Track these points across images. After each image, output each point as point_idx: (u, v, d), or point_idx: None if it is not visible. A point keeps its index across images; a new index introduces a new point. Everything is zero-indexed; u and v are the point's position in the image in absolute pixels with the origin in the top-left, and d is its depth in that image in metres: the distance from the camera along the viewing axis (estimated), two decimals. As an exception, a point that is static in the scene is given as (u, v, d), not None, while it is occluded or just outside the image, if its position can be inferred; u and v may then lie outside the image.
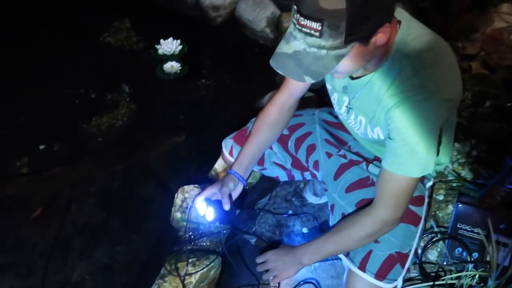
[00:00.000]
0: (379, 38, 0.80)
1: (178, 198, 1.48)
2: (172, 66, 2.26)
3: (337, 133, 1.31)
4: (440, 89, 0.87)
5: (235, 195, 1.23)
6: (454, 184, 1.49)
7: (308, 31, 0.76)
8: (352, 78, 1.00)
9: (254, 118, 1.27)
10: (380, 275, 1.05)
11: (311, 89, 1.73)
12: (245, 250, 1.40)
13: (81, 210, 1.71)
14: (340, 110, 1.11)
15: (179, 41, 2.33)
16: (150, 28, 2.50)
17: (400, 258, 1.08)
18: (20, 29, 2.51)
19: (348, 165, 1.22)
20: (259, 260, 1.24)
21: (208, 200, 1.19)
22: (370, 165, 1.21)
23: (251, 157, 1.24)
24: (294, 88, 1.19)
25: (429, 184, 1.23)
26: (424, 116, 0.88)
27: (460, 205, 1.31)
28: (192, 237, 1.42)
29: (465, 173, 1.52)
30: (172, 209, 1.48)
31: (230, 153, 1.34)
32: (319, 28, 0.74)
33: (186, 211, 1.43)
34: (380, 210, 1.01)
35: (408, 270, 1.11)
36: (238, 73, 2.28)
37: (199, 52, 2.37)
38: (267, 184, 1.59)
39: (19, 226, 1.64)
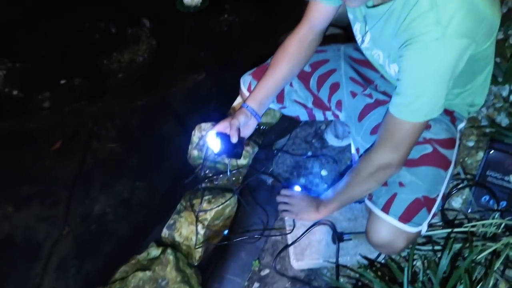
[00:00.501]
0: None
1: (195, 136, 1.45)
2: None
3: (363, 70, 1.22)
4: (456, 27, 0.78)
5: (247, 130, 1.17)
6: (487, 130, 1.39)
7: None
8: (369, 6, 0.93)
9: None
10: (405, 218, 1.01)
11: (339, 25, 1.61)
12: (261, 190, 1.39)
13: (101, 145, 1.72)
14: (361, 42, 1.04)
15: (200, -27, 2.20)
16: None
17: (427, 202, 1.03)
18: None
19: (374, 105, 1.14)
20: (282, 197, 1.26)
21: (218, 134, 1.14)
22: None
23: (266, 92, 1.17)
24: (315, 19, 1.10)
25: (461, 126, 1.14)
26: (435, 58, 0.80)
27: (491, 152, 1.23)
28: (209, 175, 1.41)
29: (500, 119, 1.41)
30: (189, 146, 1.46)
31: (249, 90, 1.27)
32: None
33: (202, 149, 1.41)
34: (382, 151, 0.96)
35: (434, 215, 1.06)
36: (262, 9, 2.15)
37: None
38: (286, 124, 1.53)
39: (42, 158, 1.67)
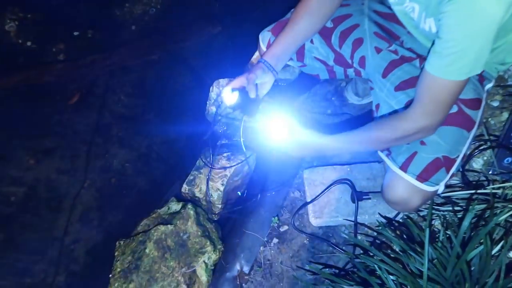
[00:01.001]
0: None
1: (213, 92, 1.44)
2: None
3: (389, 25, 1.17)
4: None
5: (265, 87, 1.13)
6: (514, 90, 1.35)
7: None
8: None
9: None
10: (422, 177, 1.01)
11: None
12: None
13: (117, 99, 1.72)
14: None
15: None
16: None
17: (446, 162, 1.02)
18: None
19: (399, 62, 1.11)
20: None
21: (234, 89, 1.10)
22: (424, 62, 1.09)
23: (284, 47, 1.13)
24: None
25: (489, 86, 1.11)
26: (484, 11, 0.76)
27: (518, 113, 1.20)
28: (228, 132, 1.41)
29: (529, 78, 1.37)
30: (207, 102, 1.45)
31: (268, 47, 1.23)
32: None
33: (220, 105, 1.40)
34: (419, 115, 0.93)
35: (453, 176, 1.05)
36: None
37: None
38: (306, 81, 1.50)
39: (60, 112, 1.68)
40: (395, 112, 1.06)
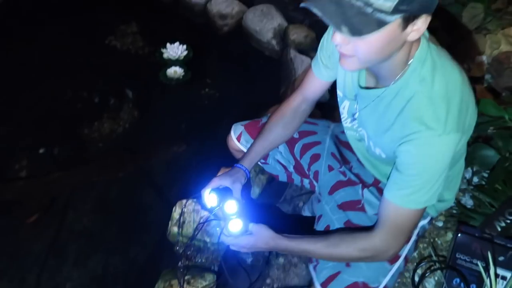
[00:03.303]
0: (415, 30, 0.78)
1: (176, 212, 1.47)
2: (175, 71, 2.25)
3: (344, 151, 1.30)
4: (453, 122, 0.84)
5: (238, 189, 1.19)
6: (454, 211, 1.48)
7: None
8: (362, 87, 0.99)
9: (269, 114, 1.28)
10: None
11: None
12: (241, 269, 1.39)
13: (78, 217, 1.70)
14: (348, 120, 1.10)
15: (185, 46, 2.33)
16: (156, 34, 2.50)
17: None
18: (25, 27, 2.50)
19: (345, 183, 1.23)
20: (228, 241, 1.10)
21: (218, 191, 1.14)
22: (366, 190, 1.20)
23: (259, 152, 1.24)
24: (309, 91, 1.20)
25: (423, 222, 1.20)
26: (438, 152, 0.86)
27: (459, 235, 1.29)
28: (188, 253, 1.41)
29: (465, 200, 1.51)
30: (169, 222, 1.47)
31: (238, 139, 1.35)
32: None
33: (182, 226, 1.42)
34: (380, 240, 0.97)
35: None
36: (242, 84, 2.26)
37: (204, 59, 2.37)
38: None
39: (16, 230, 1.63)
40: (335, 227, 1.13)
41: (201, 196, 1.19)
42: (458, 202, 1.49)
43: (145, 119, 2.10)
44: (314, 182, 1.31)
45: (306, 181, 1.35)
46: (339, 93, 1.11)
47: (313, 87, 1.19)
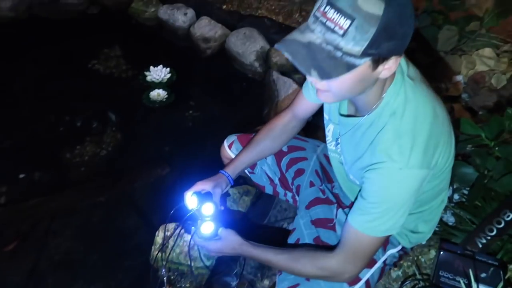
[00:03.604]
0: (386, 69, 0.80)
1: (159, 237, 1.45)
2: (158, 94, 2.26)
3: (330, 170, 1.33)
4: (416, 158, 0.86)
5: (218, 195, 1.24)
6: (437, 229, 1.49)
7: (333, 26, 0.72)
8: (342, 115, 1.03)
9: (259, 128, 1.32)
10: None
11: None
12: (226, 293, 1.37)
13: (58, 244, 1.66)
14: (332, 143, 1.13)
15: (168, 69, 2.35)
16: (140, 57, 2.52)
17: None
18: (7, 51, 2.49)
19: (322, 201, 1.25)
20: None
21: (199, 194, 1.20)
22: (340, 210, 1.22)
23: (247, 164, 1.29)
24: (299, 109, 1.24)
25: (392, 251, 1.20)
26: (398, 184, 0.89)
27: (442, 253, 1.30)
28: (172, 277, 1.39)
29: (447, 218, 1.52)
30: (152, 247, 1.45)
31: (230, 147, 1.40)
32: (347, 26, 0.71)
33: (166, 251, 1.40)
34: (336, 262, 0.99)
35: None
36: (226, 105, 2.28)
37: (187, 82, 2.39)
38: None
39: (-7, 259, 1.58)
40: (305, 241, 1.16)
41: (183, 201, 1.24)
42: (440, 219, 1.51)
43: (128, 142, 2.09)
44: (296, 197, 1.35)
45: (289, 195, 1.39)
46: (326, 116, 1.15)
47: (303, 106, 1.23)
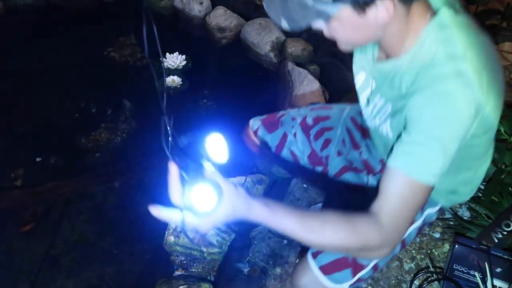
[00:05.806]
0: (380, 13, 0.72)
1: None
2: (173, 80, 2.27)
3: (355, 135, 1.25)
4: (478, 83, 0.74)
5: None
6: (451, 223, 1.48)
7: None
8: (375, 59, 0.93)
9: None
10: (325, 270, 1.00)
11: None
12: (238, 279, 1.38)
13: (73, 226, 1.68)
14: (363, 94, 1.00)
15: (184, 56, 2.35)
16: (155, 45, 2.51)
17: (354, 265, 1.01)
18: (24, 38, 2.52)
19: (351, 169, 1.22)
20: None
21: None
22: (371, 175, 1.18)
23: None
24: None
25: (430, 211, 1.08)
26: (452, 109, 0.74)
27: (456, 246, 1.30)
28: (184, 262, 1.40)
29: (462, 212, 1.51)
30: (166, 232, 1.46)
31: (255, 133, 1.33)
32: None
33: (179, 235, 1.41)
34: (381, 221, 0.77)
35: (360, 281, 1.02)
36: (240, 95, 2.27)
37: (202, 71, 2.38)
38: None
39: (9, 240, 1.61)
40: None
41: None
42: (455, 214, 1.50)
43: (142, 129, 2.10)
44: (327, 167, 1.28)
45: (319, 169, 1.30)
46: (356, 61, 1.02)
47: None
